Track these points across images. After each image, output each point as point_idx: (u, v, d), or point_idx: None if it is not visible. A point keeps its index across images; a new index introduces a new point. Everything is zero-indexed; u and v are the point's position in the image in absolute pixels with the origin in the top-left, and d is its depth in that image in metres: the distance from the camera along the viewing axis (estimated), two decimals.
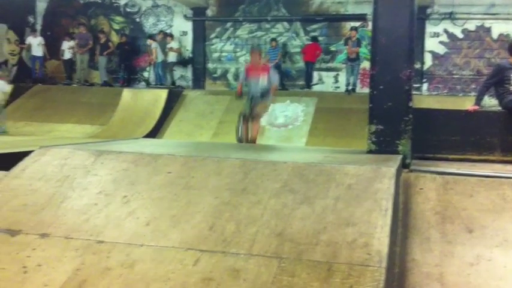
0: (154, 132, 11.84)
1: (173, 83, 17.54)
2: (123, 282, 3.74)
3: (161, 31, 17.95)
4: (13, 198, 4.83)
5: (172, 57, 17.41)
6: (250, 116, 8.79)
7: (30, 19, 19.15)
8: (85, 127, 13.38)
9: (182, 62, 18.17)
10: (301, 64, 17.68)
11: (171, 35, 17.77)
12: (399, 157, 5.60)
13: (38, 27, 19.35)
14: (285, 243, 3.93)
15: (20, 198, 4.83)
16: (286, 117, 13.77)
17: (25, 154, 5.57)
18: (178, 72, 18.19)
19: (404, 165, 5.60)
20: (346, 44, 16.57)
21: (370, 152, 6.05)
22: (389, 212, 4.15)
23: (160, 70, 17.21)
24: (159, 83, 16.88)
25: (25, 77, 17.93)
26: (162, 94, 14.10)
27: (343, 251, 3.78)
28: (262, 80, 8.68)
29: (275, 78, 8.81)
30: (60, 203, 4.70)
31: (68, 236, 4.27)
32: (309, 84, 17.02)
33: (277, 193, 4.56)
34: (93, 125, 13.20)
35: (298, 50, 17.81)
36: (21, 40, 18.41)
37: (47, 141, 7.58)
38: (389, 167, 4.80)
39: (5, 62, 18.43)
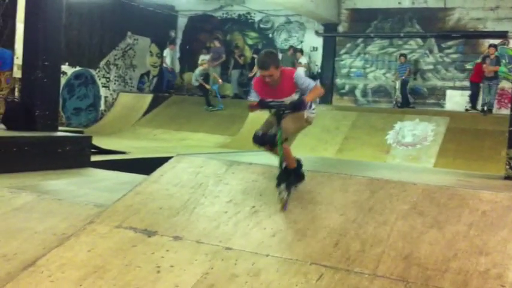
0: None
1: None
2: None
3: (291, 46, 18.29)
4: (151, 201, 5.21)
5: (300, 71, 17.67)
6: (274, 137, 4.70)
7: (172, 34, 20.49)
8: (215, 137, 14.01)
9: (311, 77, 18.34)
10: (433, 82, 17.06)
11: (300, 50, 18.05)
12: None
13: (178, 41, 20.65)
14: (411, 267, 3.83)
15: (158, 201, 5.19)
16: (415, 136, 13.33)
17: (163, 160, 5.97)
18: None
19: None
20: (483, 62, 15.69)
21: (507, 178, 5.69)
22: None
23: None
24: None
25: (168, 87, 19.15)
26: None
27: (474, 281, 3.59)
28: (289, 100, 4.67)
29: (306, 81, 4.72)
30: (193, 209, 4.98)
31: (198, 240, 4.51)
32: (474, 105, 15.68)
33: (405, 215, 4.45)
34: (223, 135, 13.76)
35: (431, 67, 17.20)
36: (162, 53, 19.75)
37: (181, 149, 8.08)
38: None
39: (147, 73, 19.87)
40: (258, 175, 5.34)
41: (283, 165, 4.91)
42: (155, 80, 20.15)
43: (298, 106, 4.57)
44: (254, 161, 5.77)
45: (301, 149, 11.76)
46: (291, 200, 4.82)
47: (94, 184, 6.87)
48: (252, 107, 4.79)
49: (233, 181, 5.34)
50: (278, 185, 4.81)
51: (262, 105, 4.72)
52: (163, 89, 19.01)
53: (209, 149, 10.40)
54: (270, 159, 5.16)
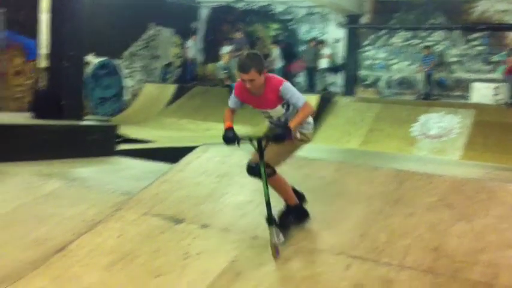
0: None
1: (324, 88, 17.69)
2: (276, 278, 3.89)
3: (313, 38, 18.18)
4: (178, 190, 5.26)
5: (324, 63, 17.57)
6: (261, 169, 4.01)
7: (194, 25, 20.51)
8: (240, 127, 14.00)
9: (334, 68, 18.24)
10: (458, 74, 16.83)
11: (323, 42, 17.94)
12: None
13: (201, 32, 20.67)
14: (440, 259, 3.81)
15: (184, 190, 5.24)
16: (441, 129, 13.17)
17: (189, 150, 6.01)
18: (329, 78, 18.30)
19: None
20: (509, 55, 15.42)
21: None
22: None
23: (309, 76, 17.51)
24: (310, 89, 17.14)
25: (191, 78, 19.21)
26: (313, 99, 14.33)
27: (506, 273, 3.56)
28: (274, 112, 4.10)
29: (294, 96, 3.95)
30: (219, 198, 5.02)
31: (225, 228, 4.55)
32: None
33: (433, 207, 4.42)
34: (247, 126, 13.77)
35: (455, 59, 16.97)
36: (185, 44, 19.79)
37: (206, 139, 8.08)
38: None
39: (170, 64, 19.95)
40: (283, 165, 5.34)
41: (285, 204, 4.27)
42: (178, 70, 20.22)
43: (282, 137, 3.81)
44: None
45: (326, 140, 11.74)
46: (316, 191, 4.80)
47: (120, 172, 6.96)
48: (228, 141, 4.02)
49: None
50: (270, 224, 4.02)
51: (232, 140, 3.99)
52: (187, 80, 19.08)
53: None
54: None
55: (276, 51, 17.90)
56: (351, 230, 4.30)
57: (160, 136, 10.58)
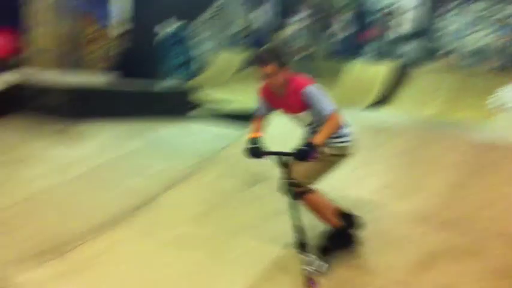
0: (380, 104, 11.87)
1: (398, 58, 17.28)
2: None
3: (384, 7, 17.67)
4: None
5: (398, 31, 17.10)
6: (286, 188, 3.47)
7: None
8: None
9: (408, 36, 17.72)
10: None
11: (397, 9, 17.42)
12: None
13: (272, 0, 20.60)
14: None
15: None
16: None
17: None
18: (403, 47, 17.82)
19: None
20: None
21: None
22: None
23: (384, 44, 17.10)
24: (384, 56, 16.79)
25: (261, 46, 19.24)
26: (389, 67, 14.03)
27: None
28: (302, 117, 3.57)
29: (319, 102, 3.36)
30: None
31: None
32: None
33: None
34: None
35: None
36: (255, 12, 19.73)
37: None
38: None
39: (241, 31, 20.06)
40: (364, 130, 5.33)
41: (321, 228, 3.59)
42: (249, 38, 20.28)
43: (302, 156, 3.19)
44: (361, 115, 5.73)
45: (400, 110, 11.52)
46: (399, 157, 4.76)
47: (195, 135, 7.14)
48: (250, 154, 3.46)
49: None
50: (299, 251, 3.37)
51: (255, 153, 3.44)
52: (257, 47, 19.13)
53: None
54: (371, 116, 5.10)
55: (346, 17, 17.62)
56: (431, 197, 4.28)
57: (234, 101, 10.70)
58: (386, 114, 8.94)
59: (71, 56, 11.12)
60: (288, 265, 3.52)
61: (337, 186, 4.39)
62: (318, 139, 3.23)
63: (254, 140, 3.50)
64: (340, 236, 3.61)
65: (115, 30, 12.23)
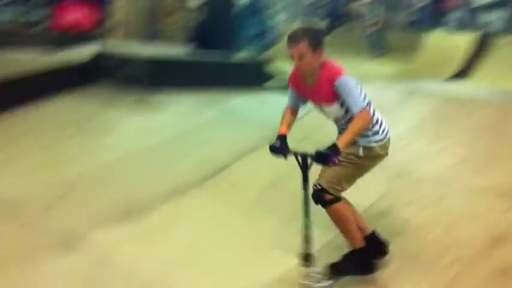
0: (460, 76, 11.40)
1: (483, 26, 16.43)
2: (427, 213, 3.83)
3: None
4: (323, 127, 5.28)
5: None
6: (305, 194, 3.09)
7: None
8: (386, 67, 13.59)
9: (494, 4, 16.79)
10: None
11: None
12: None
13: None
14: None
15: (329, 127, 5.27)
16: None
17: None
18: (489, 16, 16.91)
19: None
20: None
21: None
22: None
23: (466, 12, 16.31)
24: (467, 26, 16.03)
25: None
26: (471, 38, 13.38)
27: None
28: (331, 110, 3.12)
29: (351, 95, 2.95)
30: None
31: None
32: None
33: None
34: (393, 66, 13.32)
35: None
36: None
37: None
38: None
39: (316, 2, 19.75)
40: (438, 104, 5.15)
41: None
42: (326, 8, 19.96)
43: (323, 160, 2.83)
44: (433, 90, 5.55)
45: (483, 81, 11.02)
46: (476, 131, 4.56)
47: (269, 106, 7.15)
48: (274, 152, 3.10)
49: (411, 108, 5.22)
50: (302, 263, 3.01)
51: (279, 151, 3.06)
52: (332, 18, 18.76)
53: (382, 79, 10.17)
54: (450, 89, 4.92)
55: None
56: (508, 175, 4.08)
57: None
58: (467, 87, 8.56)
59: (151, 28, 11.40)
60: None
61: (414, 159, 4.31)
62: (342, 141, 2.85)
63: (279, 137, 3.11)
64: (358, 260, 3.13)
65: (193, 1, 12.39)
